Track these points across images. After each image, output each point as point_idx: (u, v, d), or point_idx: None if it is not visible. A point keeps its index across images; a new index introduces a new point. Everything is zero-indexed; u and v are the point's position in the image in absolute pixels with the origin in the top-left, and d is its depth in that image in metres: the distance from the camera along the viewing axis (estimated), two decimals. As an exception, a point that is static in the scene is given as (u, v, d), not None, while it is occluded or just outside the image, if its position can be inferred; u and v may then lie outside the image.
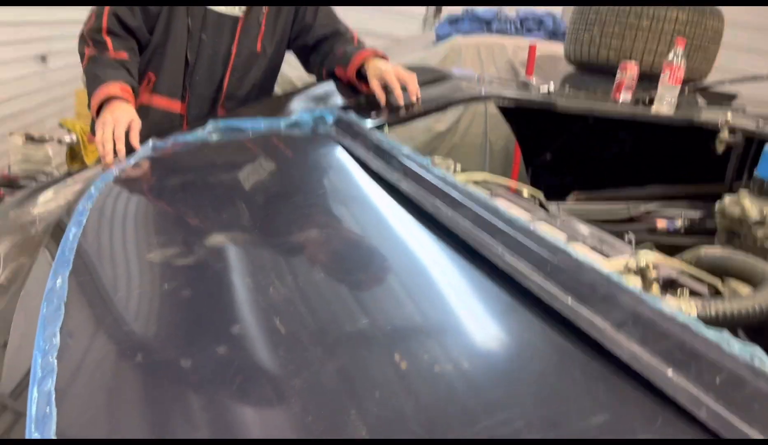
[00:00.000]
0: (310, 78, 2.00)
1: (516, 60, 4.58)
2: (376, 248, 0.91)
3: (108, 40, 1.57)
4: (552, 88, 1.89)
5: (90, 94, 1.50)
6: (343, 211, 1.07)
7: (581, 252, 0.84)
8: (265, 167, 1.30)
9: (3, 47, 3.82)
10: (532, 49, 3.85)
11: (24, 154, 3.66)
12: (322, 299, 0.79)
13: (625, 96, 2.19)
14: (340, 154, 1.29)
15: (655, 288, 0.63)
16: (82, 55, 1.59)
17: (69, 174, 1.51)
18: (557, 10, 6.16)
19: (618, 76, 2.27)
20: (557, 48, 4.29)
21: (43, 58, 4.52)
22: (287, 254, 0.91)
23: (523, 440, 0.49)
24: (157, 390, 0.64)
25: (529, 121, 2.32)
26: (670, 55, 2.13)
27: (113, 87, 1.47)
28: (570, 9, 3.61)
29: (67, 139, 3.71)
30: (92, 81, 1.51)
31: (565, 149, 2.31)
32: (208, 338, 0.71)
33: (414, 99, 1.61)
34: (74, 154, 3.79)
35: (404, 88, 1.61)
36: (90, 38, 1.58)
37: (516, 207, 1.04)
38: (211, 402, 0.61)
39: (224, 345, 0.70)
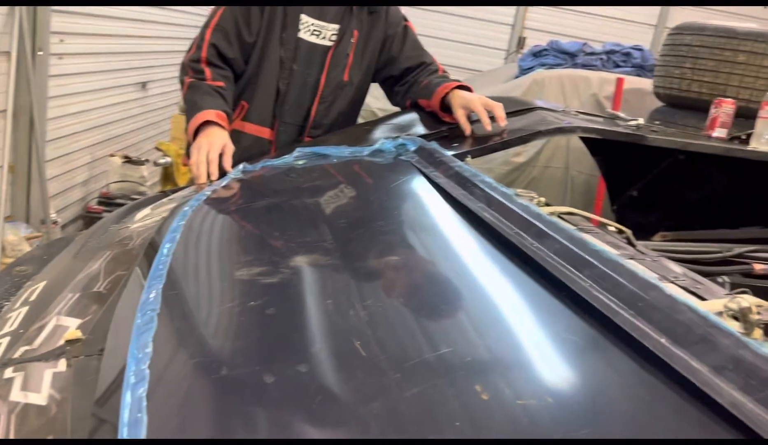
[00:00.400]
0: (393, 109, 2.03)
1: (601, 94, 4.48)
2: (458, 277, 0.90)
3: (206, 69, 1.66)
4: (641, 122, 1.84)
5: (188, 119, 1.59)
6: (425, 239, 1.08)
7: (675, 292, 0.81)
8: (347, 192, 1.33)
9: (108, 74, 4.11)
10: (619, 82, 3.76)
11: (122, 175, 3.90)
12: (402, 325, 0.79)
13: (719, 133, 2.10)
14: (422, 182, 1.30)
15: (758, 333, 0.60)
16: (182, 82, 1.69)
17: (165, 193, 1.59)
18: (646, 43, 6.01)
19: (712, 112, 2.19)
20: (645, 83, 4.17)
21: (144, 86, 4.82)
22: (368, 278, 0.92)
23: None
24: (239, 403, 0.66)
25: (616, 156, 2.26)
26: (772, 92, 2.03)
27: (209, 113, 1.55)
28: (660, 42, 3.51)
29: (162, 161, 3.92)
30: (191, 107, 1.59)
31: (653, 186, 2.23)
32: (290, 356, 0.73)
33: (503, 125, 1.61)
34: (168, 176, 4.00)
35: (492, 117, 1.61)
36: (190, 67, 1.68)
37: (603, 243, 1.01)
38: (291, 419, 0.62)
39: (305, 364, 0.71)
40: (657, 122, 2.15)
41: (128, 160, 3.91)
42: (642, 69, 5.33)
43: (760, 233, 1.91)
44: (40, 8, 3.07)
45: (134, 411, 0.64)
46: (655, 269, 0.91)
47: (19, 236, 2.88)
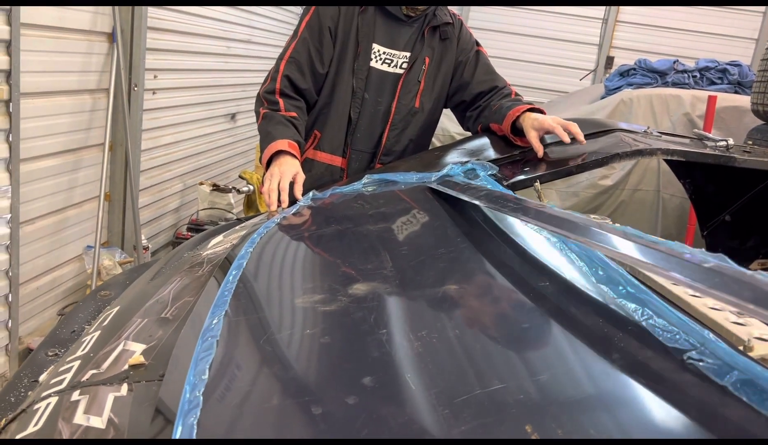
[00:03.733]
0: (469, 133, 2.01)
1: (694, 113, 4.26)
2: (518, 308, 0.87)
3: (280, 100, 1.71)
4: (731, 143, 1.72)
5: (262, 149, 1.64)
6: (489, 267, 1.04)
7: (758, 329, 0.74)
8: (412, 219, 1.32)
9: (198, 107, 4.33)
10: (711, 101, 3.56)
11: (210, 202, 4.07)
12: (455, 358, 0.76)
13: (823, 151, 1.93)
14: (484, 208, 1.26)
15: None
16: (257, 113, 1.75)
17: (239, 220, 1.64)
18: (746, 59, 5.68)
19: (815, 129, 2.02)
20: (743, 100, 3.93)
21: (233, 117, 5.05)
22: (425, 308, 0.90)
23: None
24: (286, 434, 0.65)
25: (706, 179, 2.12)
26: None
27: (282, 143, 1.59)
28: (759, 57, 3.29)
29: (244, 189, 4.07)
30: (264, 137, 1.64)
31: (748, 210, 2.07)
32: (340, 387, 0.72)
33: (583, 144, 1.56)
34: (251, 203, 4.14)
35: (572, 138, 1.57)
36: (265, 99, 1.74)
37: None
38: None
39: (354, 395, 0.69)
40: (750, 142, 2.00)
41: (216, 188, 4.08)
42: (740, 86, 5.03)
43: None
44: (135, 46, 3.29)
45: (185, 438, 0.64)
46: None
47: (114, 260, 3.06)
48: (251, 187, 4.08)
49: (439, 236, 1.18)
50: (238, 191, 4.07)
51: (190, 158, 4.30)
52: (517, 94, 1.87)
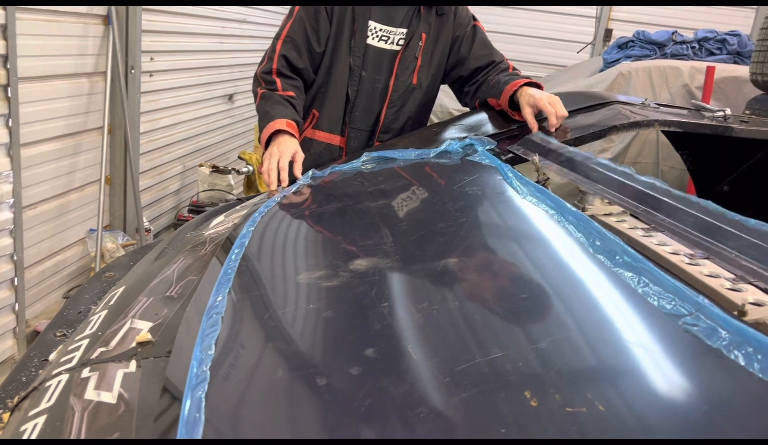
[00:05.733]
0: (467, 108, 2.01)
1: (693, 84, 4.24)
2: (517, 279, 0.88)
3: (278, 80, 1.71)
4: (728, 113, 1.72)
5: (260, 129, 1.64)
6: (488, 240, 1.06)
7: (752, 295, 0.75)
8: (411, 194, 1.33)
9: (195, 89, 4.32)
10: (709, 71, 3.55)
11: (210, 184, 4.08)
12: (456, 329, 0.78)
13: (821, 120, 1.93)
14: (488, 182, 1.28)
15: None
16: (255, 93, 1.75)
17: (239, 201, 1.65)
18: (744, 28, 5.64)
19: (813, 97, 2.02)
20: (743, 70, 3.91)
21: (230, 98, 5.03)
22: (425, 281, 0.92)
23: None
24: (292, 406, 0.67)
25: (704, 150, 2.12)
26: None
27: (280, 122, 1.59)
28: (758, 27, 3.28)
29: (244, 169, 4.08)
30: (263, 117, 1.65)
31: (746, 181, 2.08)
32: (343, 359, 0.74)
33: (553, 120, 1.56)
34: (250, 183, 4.15)
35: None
36: (262, 79, 1.74)
37: (677, 243, 0.95)
38: (339, 421, 0.62)
39: (357, 367, 0.71)
40: (748, 112, 2.00)
41: (216, 169, 4.09)
42: (739, 56, 5.00)
43: None
44: (131, 28, 3.27)
45: (193, 411, 0.66)
46: (734, 268, 0.85)
47: (117, 243, 3.08)
48: (251, 168, 4.08)
49: (438, 211, 1.19)
50: (238, 172, 4.08)
51: (189, 140, 4.30)
52: (514, 69, 1.87)
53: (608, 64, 5.17)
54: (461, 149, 1.52)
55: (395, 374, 0.69)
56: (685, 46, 5.00)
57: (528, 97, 1.62)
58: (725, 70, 4.15)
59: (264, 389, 0.71)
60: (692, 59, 4.83)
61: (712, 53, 5.06)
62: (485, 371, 0.67)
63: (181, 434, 0.63)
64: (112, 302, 1.08)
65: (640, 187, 0.97)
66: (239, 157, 4.27)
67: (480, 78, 1.87)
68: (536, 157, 1.30)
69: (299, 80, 1.77)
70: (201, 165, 4.18)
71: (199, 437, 0.61)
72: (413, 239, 1.07)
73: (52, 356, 1.03)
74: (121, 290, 1.13)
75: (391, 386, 0.67)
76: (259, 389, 0.71)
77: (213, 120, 4.72)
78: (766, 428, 0.48)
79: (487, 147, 1.50)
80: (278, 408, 0.67)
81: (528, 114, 1.60)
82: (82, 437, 0.69)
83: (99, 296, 1.37)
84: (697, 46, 5.02)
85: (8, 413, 0.88)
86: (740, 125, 1.66)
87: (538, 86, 1.69)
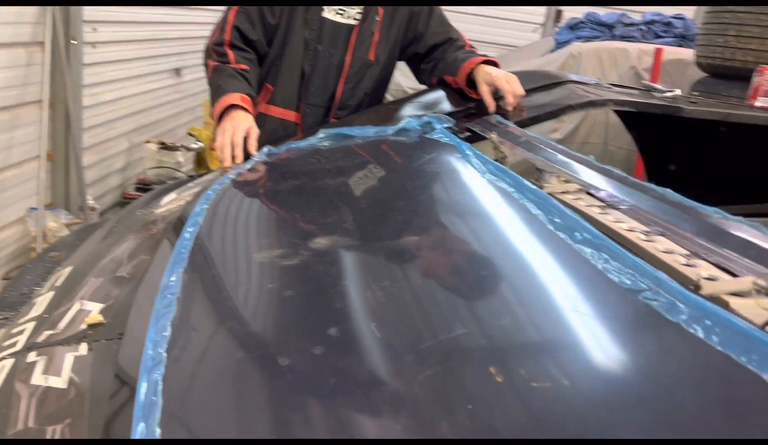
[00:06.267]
0: (422, 87, 2.00)
1: (640, 66, 4.34)
2: (478, 257, 0.88)
3: (230, 52, 1.66)
4: (678, 94, 1.76)
5: (213, 103, 1.59)
6: (448, 217, 1.05)
7: (705, 271, 0.77)
8: (370, 173, 1.31)
9: (141, 62, 4.16)
10: (657, 53, 3.63)
11: (158, 161, 3.96)
12: (419, 306, 0.77)
13: (763, 102, 2.01)
14: (447, 160, 1.27)
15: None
16: (206, 66, 1.69)
17: (191, 178, 1.60)
18: (688, 11, 5.79)
19: (754, 80, 2.09)
20: (687, 53, 4.02)
21: (178, 72, 4.87)
22: (386, 259, 0.91)
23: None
24: (253, 387, 0.65)
25: (653, 130, 2.18)
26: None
27: (234, 97, 1.54)
28: (702, 10, 3.37)
29: (194, 146, 3.97)
30: (215, 91, 1.59)
31: (692, 160, 2.15)
32: (306, 338, 0.72)
33: (510, 99, 1.57)
34: (201, 161, 4.05)
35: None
36: (213, 51, 1.68)
37: (633, 220, 0.97)
38: (304, 401, 0.61)
39: (321, 346, 0.70)
40: (696, 93, 2.06)
41: (164, 146, 3.97)
42: (684, 39, 5.13)
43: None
44: (72, -3, 3.12)
45: (149, 394, 0.64)
46: (687, 245, 0.87)
47: (59, 222, 2.96)
48: (201, 145, 3.98)
49: (397, 189, 1.18)
50: (188, 149, 3.97)
51: (135, 115, 4.15)
52: (471, 47, 1.86)
53: (559, 44, 5.24)
54: (419, 127, 1.51)
55: (359, 353, 0.68)
56: (633, 28, 5.11)
57: (485, 75, 1.62)
58: (671, 52, 4.26)
59: (224, 371, 0.69)
60: (640, 41, 4.93)
61: (658, 36, 5.18)
62: (449, 348, 0.67)
63: (137, 418, 0.60)
64: (58, 283, 1.03)
65: (597, 172, 0.99)
66: (189, 134, 4.16)
67: (437, 55, 1.85)
68: (495, 136, 1.30)
69: (252, 53, 1.72)
70: (148, 141, 4.05)
71: (157, 420, 0.59)
72: (373, 217, 1.06)
73: (-6, 340, 0.98)
74: (68, 270, 1.08)
75: (355, 365, 0.66)
76: (219, 370, 0.69)
77: (160, 95, 4.57)
78: (727, 398, 0.50)
79: (445, 125, 1.49)
80: (240, 390, 0.65)
81: (485, 92, 1.60)
82: (30, 424, 0.66)
83: (43, 277, 1.31)
84: (645, 28, 5.13)
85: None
86: (689, 106, 1.71)
87: (495, 64, 1.69)
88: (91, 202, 3.33)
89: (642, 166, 2.75)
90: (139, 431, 0.58)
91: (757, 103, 2.02)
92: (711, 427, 0.47)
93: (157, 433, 0.58)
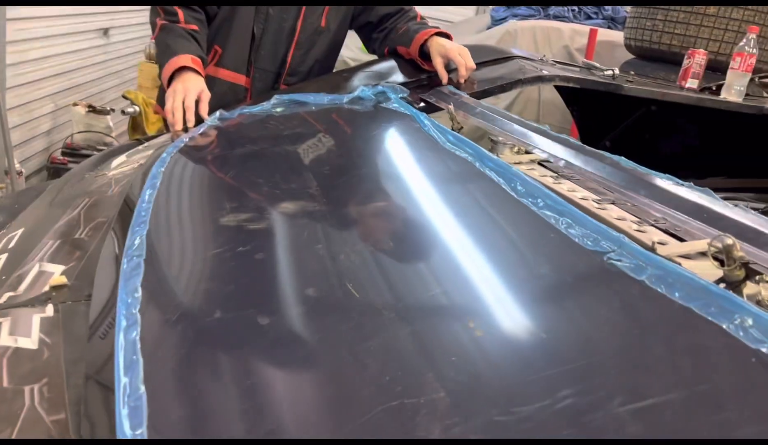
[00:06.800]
0: (365, 58, 2.01)
1: (573, 46, 4.48)
2: (448, 221, 0.91)
3: (179, 11, 1.61)
4: (617, 73, 1.85)
5: (161, 64, 1.54)
6: (413, 184, 1.08)
7: (656, 236, 0.84)
8: (329, 139, 1.32)
9: (67, 20, 3.93)
10: (593, 33, 3.77)
11: (86, 125, 3.78)
12: (393, 268, 0.80)
13: (691, 83, 2.13)
14: (405, 129, 1.29)
15: (741, 272, 0.62)
16: (153, 24, 1.63)
17: (139, 141, 1.55)
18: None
19: (685, 63, 2.21)
20: (616, 35, 4.18)
21: (105, 32, 4.64)
22: (357, 223, 0.93)
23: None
24: (236, 345, 0.66)
25: (589, 106, 2.27)
26: (742, 42, 2.06)
27: (184, 58, 1.50)
28: (632, -6, 3.51)
29: (130, 109, 3.81)
30: (163, 51, 1.54)
31: (625, 137, 2.26)
32: (284, 299, 0.73)
33: (463, 71, 1.61)
34: (136, 125, 3.89)
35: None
36: (161, 9, 1.62)
37: (584, 190, 1.03)
38: (289, 359, 0.62)
39: (301, 306, 0.71)
40: (633, 73, 2.16)
41: (92, 109, 3.79)
42: (613, 21, 5.33)
43: (728, 183, 1.97)
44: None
45: (129, 353, 0.64)
46: (636, 212, 0.93)
47: (-18, 186, 2.79)
48: (137, 108, 3.82)
49: (359, 156, 1.20)
50: (123, 112, 3.80)
51: (62, 76, 3.94)
52: (422, 18, 1.88)
53: (495, 21, 5.33)
54: (374, 96, 1.53)
55: (340, 312, 0.70)
56: (566, 8, 5.26)
57: (439, 47, 1.65)
58: (601, 34, 4.41)
59: (202, 331, 0.69)
60: (572, 22, 5.08)
61: (589, 17, 5.36)
62: (427, 305, 0.70)
63: (118, 376, 0.60)
64: (11, 245, 0.99)
65: (554, 141, 1.04)
66: (123, 97, 3.98)
67: (388, 25, 1.86)
68: (451, 107, 1.34)
69: (202, 13, 1.67)
70: (75, 104, 3.85)
71: (140, 377, 0.59)
72: (338, 183, 1.07)
73: (-57, 304, 0.93)
74: (19, 232, 1.04)
75: (338, 323, 0.68)
76: (196, 330, 0.70)
77: (87, 55, 4.34)
78: (691, 345, 0.55)
79: (400, 95, 1.51)
80: (223, 347, 0.66)
81: (439, 64, 1.63)
82: (5, 384, 0.64)
83: (-17, 241, 1.25)
84: (576, 9, 5.29)
85: None
86: (627, 84, 1.80)
87: (448, 37, 1.72)
88: (17, 166, 3.15)
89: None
90: (122, 387, 0.58)
91: (687, 85, 2.14)
92: (680, 371, 0.52)
93: (141, 389, 0.58)
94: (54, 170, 3.63)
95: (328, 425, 0.54)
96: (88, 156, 3.60)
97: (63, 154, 3.75)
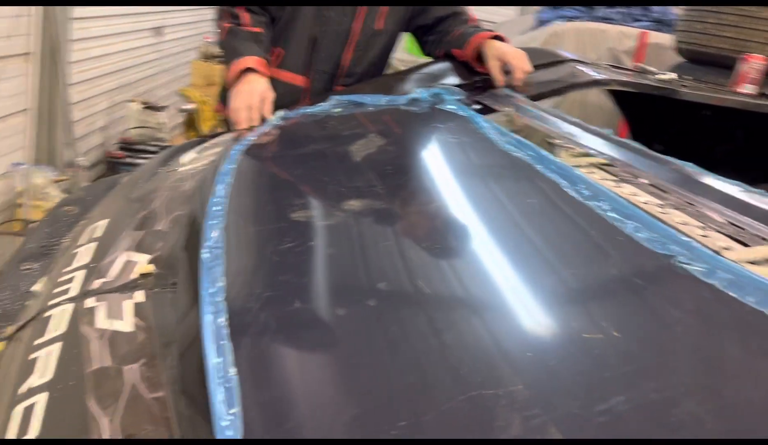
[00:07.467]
0: (410, 58, 2.03)
1: (619, 48, 4.42)
2: (513, 222, 0.93)
3: (244, 14, 1.66)
4: (673, 76, 1.84)
5: (227, 65, 1.60)
6: (475, 185, 1.10)
7: (720, 241, 0.85)
8: (389, 140, 1.36)
9: (121, 19, 4.07)
10: (643, 36, 3.72)
11: (141, 121, 3.91)
12: (463, 266, 0.82)
13: (748, 89, 2.10)
14: (463, 130, 1.32)
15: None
16: (219, 27, 1.69)
17: (203, 139, 1.62)
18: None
19: (740, 67, 2.18)
20: (664, 37, 4.12)
21: (158, 31, 4.77)
22: (423, 221, 0.96)
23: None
24: (316, 333, 0.70)
25: (641, 110, 2.26)
26: (802, 48, 2.03)
27: (250, 60, 1.56)
28: (683, -3, 3.45)
29: (187, 107, 3.92)
30: (230, 53, 1.60)
31: (676, 141, 2.24)
32: (358, 291, 0.77)
33: (519, 75, 1.62)
34: (191, 122, 4.00)
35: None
36: (227, 12, 1.68)
37: (646, 194, 1.04)
38: (368, 348, 0.66)
39: (374, 299, 0.75)
40: (687, 77, 2.15)
41: (147, 105, 3.91)
42: (660, 23, 5.24)
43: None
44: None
45: (218, 338, 0.68)
46: (699, 217, 0.94)
47: (47, 179, 2.92)
48: (194, 105, 3.92)
49: (420, 156, 1.23)
50: (180, 110, 3.92)
51: (118, 74, 4.08)
52: (476, 21, 1.90)
53: (542, 22, 5.29)
54: (430, 98, 1.55)
55: (412, 305, 0.73)
56: (613, 10, 5.19)
57: (495, 50, 1.67)
58: (648, 36, 4.35)
59: (283, 318, 0.73)
60: (619, 23, 5.02)
61: (636, 19, 5.28)
62: (501, 303, 0.73)
63: (210, 359, 0.64)
64: (98, 235, 1.05)
65: (614, 144, 1.05)
66: (179, 94, 4.10)
67: (442, 28, 1.89)
68: (512, 109, 1.36)
69: (266, 16, 1.73)
70: (131, 100, 3.98)
71: (231, 362, 0.63)
72: (402, 182, 1.11)
73: (36, 288, 1.00)
74: (103, 223, 1.10)
75: (410, 316, 0.71)
76: (278, 318, 0.73)
77: (140, 53, 4.48)
78: (765, 349, 0.57)
79: (456, 97, 1.54)
80: (304, 337, 0.69)
81: (494, 67, 1.65)
82: (108, 364, 0.70)
83: (62, 230, 1.32)
84: (624, 10, 5.22)
85: (2, 343, 0.87)
86: (682, 89, 1.79)
87: (503, 40, 1.74)
88: (80, 159, 3.28)
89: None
90: (214, 365, 0.62)
91: (742, 89, 2.11)
92: (756, 371, 0.54)
93: (233, 371, 0.62)
94: (111, 164, 3.76)
95: (410, 412, 0.56)
96: (142, 151, 3.72)
97: (120, 148, 3.88)
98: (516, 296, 0.72)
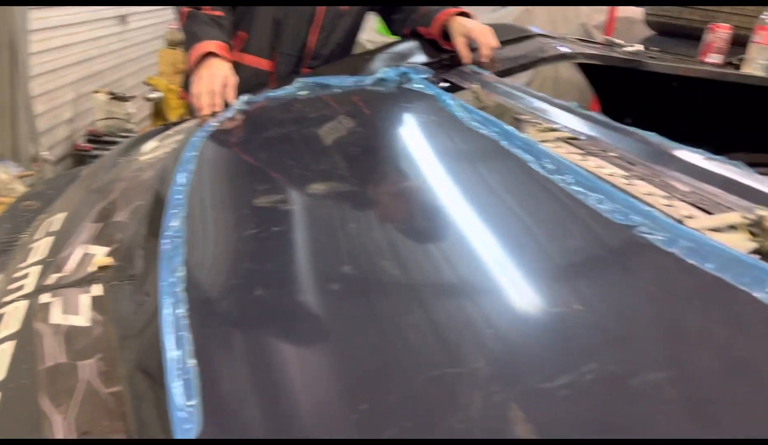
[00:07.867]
0: (381, 39, 2.01)
1: (590, 22, 4.43)
2: (478, 198, 0.92)
3: (203, -3, 1.62)
4: (640, 48, 1.84)
5: (187, 50, 1.56)
6: (444, 163, 1.08)
7: (684, 210, 0.85)
8: (355, 121, 1.34)
9: (86, 7, 3.96)
10: (612, 10, 3.72)
11: (108, 112, 3.82)
12: (425, 246, 0.81)
13: (714, 58, 2.11)
14: (430, 109, 1.31)
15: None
16: (179, 12, 1.65)
17: (167, 126, 1.58)
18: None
19: (707, 37, 2.19)
20: (634, 11, 4.12)
21: (123, 19, 4.67)
22: (389, 203, 0.95)
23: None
24: (279, 319, 0.68)
25: (611, 83, 2.26)
26: (764, 15, 2.04)
27: (210, 44, 1.52)
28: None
29: (153, 95, 3.84)
30: (190, 38, 1.56)
31: (647, 114, 2.25)
32: (322, 276, 0.76)
33: (485, 51, 1.60)
34: (159, 111, 3.93)
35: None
36: (186, -5, 1.63)
37: (612, 166, 1.04)
38: (332, 333, 0.65)
39: (338, 283, 0.73)
40: (654, 48, 2.15)
41: (114, 96, 3.83)
42: (632, -4, 5.25)
43: (751, 159, 1.95)
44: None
45: (177, 330, 0.66)
46: (664, 187, 0.94)
47: (11, 175, 2.85)
48: (160, 94, 3.85)
49: (387, 137, 1.21)
50: (146, 98, 3.84)
51: (82, 64, 3.98)
52: (443, -2, 1.88)
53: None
54: (397, 77, 1.53)
55: (377, 289, 0.72)
56: (585, -16, 5.18)
57: (460, 27, 1.65)
58: (619, 10, 4.36)
59: (244, 306, 0.71)
60: (590, -2, 5.01)
61: (609, -8, 5.27)
62: (463, 280, 0.72)
63: (168, 351, 0.63)
64: (54, 228, 1.03)
65: (581, 118, 1.04)
66: (146, 83, 4.01)
67: (408, 6, 1.86)
68: (478, 86, 1.34)
69: (226, -1, 1.69)
70: (97, 91, 3.89)
71: (190, 353, 0.62)
72: (368, 164, 1.09)
73: (-9, 285, 0.97)
74: (60, 216, 1.07)
75: (375, 300, 0.70)
76: (239, 305, 0.72)
77: (106, 43, 4.38)
78: (725, 315, 0.57)
79: (423, 75, 1.52)
80: (268, 322, 0.68)
81: (460, 44, 1.63)
82: (63, 360, 0.68)
83: (21, 226, 1.29)
84: (594, -16, 5.21)
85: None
86: (649, 60, 1.79)
87: (469, 16, 1.72)
88: (45, 153, 3.20)
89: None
90: (170, 358, 0.61)
91: (708, 59, 2.12)
92: (715, 339, 0.54)
93: (192, 363, 0.61)
94: (79, 157, 3.69)
95: (374, 394, 0.56)
96: (111, 142, 3.65)
97: (88, 141, 3.80)
98: (478, 273, 0.72)
